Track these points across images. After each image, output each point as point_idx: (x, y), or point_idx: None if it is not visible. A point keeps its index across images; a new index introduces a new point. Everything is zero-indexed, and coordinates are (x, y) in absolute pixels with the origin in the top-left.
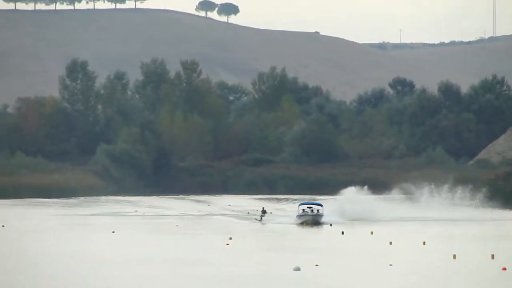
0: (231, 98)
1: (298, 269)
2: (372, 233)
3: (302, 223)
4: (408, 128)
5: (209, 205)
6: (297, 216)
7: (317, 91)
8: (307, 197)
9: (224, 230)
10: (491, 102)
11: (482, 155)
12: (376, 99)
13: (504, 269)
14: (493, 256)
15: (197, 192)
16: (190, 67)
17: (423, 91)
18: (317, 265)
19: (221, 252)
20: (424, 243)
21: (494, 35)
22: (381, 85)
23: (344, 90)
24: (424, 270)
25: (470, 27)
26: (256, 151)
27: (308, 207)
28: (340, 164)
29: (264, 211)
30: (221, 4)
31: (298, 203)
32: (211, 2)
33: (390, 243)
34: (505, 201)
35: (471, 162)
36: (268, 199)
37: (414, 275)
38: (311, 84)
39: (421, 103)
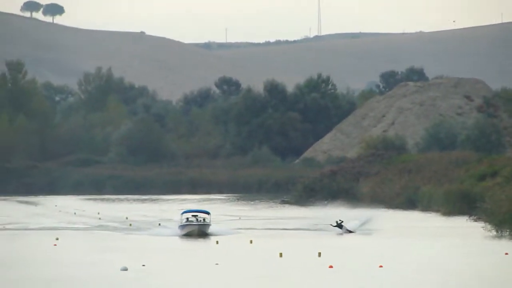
0: (57, 99)
1: (125, 269)
2: None
3: (186, 234)
4: (234, 127)
5: (36, 206)
6: (180, 226)
7: (143, 91)
8: (135, 197)
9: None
10: (317, 101)
11: (308, 153)
12: (202, 98)
13: (331, 266)
14: (320, 254)
15: (23, 193)
16: (16, 68)
17: (249, 90)
18: (143, 265)
19: (49, 252)
20: (251, 241)
21: (319, 34)
22: (207, 84)
23: (171, 90)
24: (251, 268)
25: (295, 26)
26: (82, 152)
27: (193, 216)
28: (167, 164)
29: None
30: (46, 5)
31: (181, 211)
32: (36, 2)
33: (217, 242)
34: (332, 198)
35: (297, 160)
36: (95, 199)
37: (240, 274)
38: (137, 84)
39: (247, 102)
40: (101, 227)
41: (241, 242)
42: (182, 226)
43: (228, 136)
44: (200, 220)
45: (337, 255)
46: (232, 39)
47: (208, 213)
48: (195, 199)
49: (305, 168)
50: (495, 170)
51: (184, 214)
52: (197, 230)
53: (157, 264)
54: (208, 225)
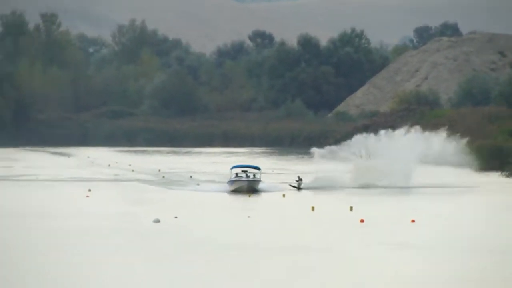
0: (90, 50)
1: (157, 221)
2: None
3: (235, 190)
4: (267, 80)
5: (68, 157)
6: (229, 182)
7: (177, 43)
8: (167, 149)
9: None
10: (350, 55)
11: (341, 107)
12: (235, 51)
13: (362, 221)
14: (351, 208)
15: (56, 144)
16: (50, 19)
17: (282, 43)
18: (176, 217)
19: (81, 202)
20: (284, 195)
21: None
22: (240, 37)
23: (204, 43)
24: (283, 222)
25: None
26: (115, 104)
27: (242, 171)
28: (200, 116)
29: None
30: None
31: (230, 166)
32: None
33: (249, 195)
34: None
35: (329, 114)
36: (128, 151)
37: (272, 226)
38: (171, 36)
39: (280, 55)
40: (134, 179)
41: (273, 196)
42: (231, 182)
43: (261, 89)
44: (250, 176)
45: (369, 210)
46: None
47: (258, 168)
48: (227, 152)
49: (338, 122)
50: None
51: (234, 169)
52: (247, 186)
53: (189, 217)
54: (258, 181)
